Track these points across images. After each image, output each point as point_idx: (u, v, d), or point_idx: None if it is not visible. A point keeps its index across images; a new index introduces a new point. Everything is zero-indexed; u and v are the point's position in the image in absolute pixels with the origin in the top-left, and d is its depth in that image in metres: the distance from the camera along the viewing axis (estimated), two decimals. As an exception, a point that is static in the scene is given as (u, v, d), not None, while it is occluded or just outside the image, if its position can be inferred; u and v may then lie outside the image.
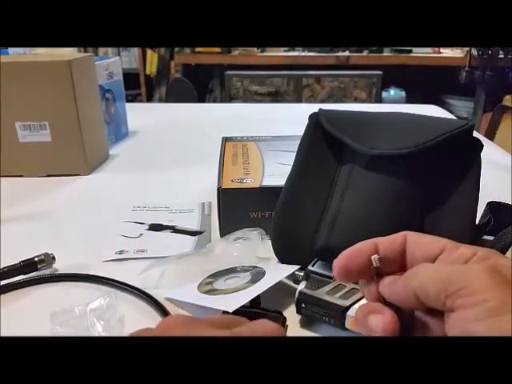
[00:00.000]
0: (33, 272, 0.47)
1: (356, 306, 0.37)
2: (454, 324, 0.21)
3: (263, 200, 0.53)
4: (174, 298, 0.41)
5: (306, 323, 0.41)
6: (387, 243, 0.25)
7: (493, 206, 0.49)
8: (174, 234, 0.57)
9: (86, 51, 2.36)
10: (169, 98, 3.03)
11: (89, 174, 0.77)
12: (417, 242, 0.25)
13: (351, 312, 0.37)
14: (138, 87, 3.15)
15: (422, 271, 0.22)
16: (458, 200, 0.44)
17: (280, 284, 0.43)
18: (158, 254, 0.51)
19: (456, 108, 2.89)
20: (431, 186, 0.45)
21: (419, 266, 0.23)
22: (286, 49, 2.93)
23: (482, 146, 0.46)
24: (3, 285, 0.45)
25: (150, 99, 3.21)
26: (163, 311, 0.41)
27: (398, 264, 0.25)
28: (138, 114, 1.14)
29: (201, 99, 2.97)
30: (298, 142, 0.52)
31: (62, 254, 0.50)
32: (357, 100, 2.22)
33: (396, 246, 0.25)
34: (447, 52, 2.87)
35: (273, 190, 0.51)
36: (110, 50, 3.04)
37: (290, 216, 0.48)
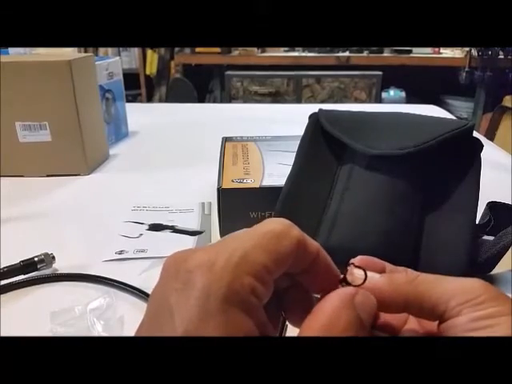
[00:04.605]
0: (33, 272, 0.47)
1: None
2: (456, 324, 0.21)
3: (263, 200, 0.53)
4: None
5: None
6: (392, 268, 0.25)
7: (493, 206, 0.49)
8: (174, 233, 0.57)
9: (86, 51, 2.36)
10: (169, 98, 3.03)
11: (89, 174, 0.77)
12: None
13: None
14: (138, 87, 3.15)
15: (425, 278, 0.22)
16: (458, 200, 0.44)
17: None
18: (158, 254, 0.51)
19: (456, 108, 2.89)
20: (431, 186, 0.45)
21: (422, 274, 0.23)
22: (286, 49, 2.93)
23: (481, 146, 0.46)
24: (3, 285, 0.45)
25: (150, 99, 3.21)
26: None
27: None
28: (138, 114, 1.14)
29: (201, 99, 2.97)
30: (298, 142, 0.52)
31: (62, 254, 0.50)
32: (357, 100, 2.22)
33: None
34: (447, 52, 2.87)
35: (273, 190, 0.51)
36: (110, 50, 3.04)
37: (290, 216, 0.47)
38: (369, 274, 0.23)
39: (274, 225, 0.21)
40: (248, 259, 0.19)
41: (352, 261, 0.25)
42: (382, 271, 0.25)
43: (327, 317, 0.20)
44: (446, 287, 0.21)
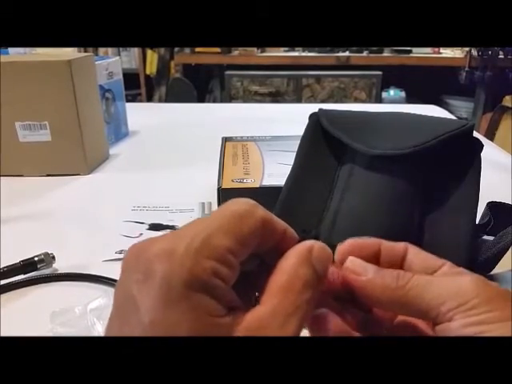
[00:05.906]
0: (33, 272, 0.47)
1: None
2: (450, 328, 0.21)
3: (263, 200, 0.53)
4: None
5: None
6: (389, 247, 0.25)
7: (493, 206, 0.49)
8: (173, 233, 0.57)
9: (86, 51, 2.36)
10: (169, 98, 3.03)
11: (89, 174, 0.77)
12: (418, 253, 0.25)
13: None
14: (138, 87, 3.15)
15: (417, 283, 0.22)
16: (458, 200, 0.44)
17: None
18: (158, 253, 0.51)
19: (456, 108, 2.89)
20: (431, 185, 0.45)
21: (414, 277, 0.23)
22: (286, 49, 2.92)
23: (482, 145, 0.46)
24: (3, 285, 0.45)
25: (150, 99, 3.21)
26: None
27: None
28: (138, 114, 1.14)
29: (201, 99, 2.97)
30: (298, 142, 0.52)
31: (62, 254, 0.50)
32: (357, 100, 2.22)
33: (397, 251, 0.25)
34: (447, 52, 2.87)
35: (273, 190, 0.51)
36: (110, 49, 3.03)
37: (290, 216, 0.48)
38: (362, 267, 0.23)
39: (238, 205, 0.21)
40: (210, 243, 0.19)
41: (340, 246, 0.24)
42: (376, 252, 0.24)
43: (285, 277, 0.20)
44: (438, 291, 0.21)
